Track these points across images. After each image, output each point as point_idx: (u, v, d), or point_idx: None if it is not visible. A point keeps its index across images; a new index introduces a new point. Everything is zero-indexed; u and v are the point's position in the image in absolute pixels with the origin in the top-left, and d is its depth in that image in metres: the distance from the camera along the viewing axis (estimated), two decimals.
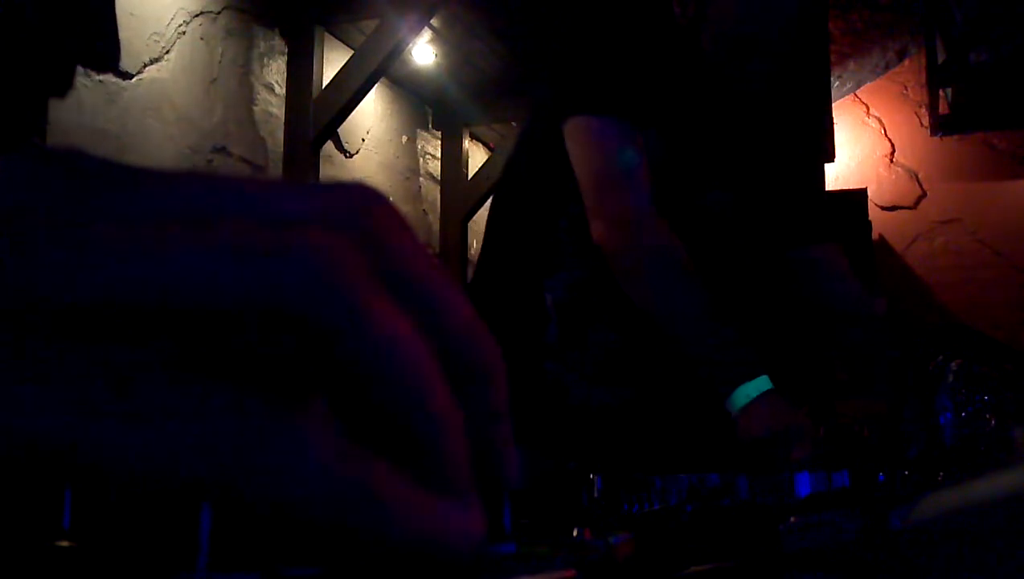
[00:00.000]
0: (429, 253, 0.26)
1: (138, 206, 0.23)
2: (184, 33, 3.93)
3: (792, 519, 0.90)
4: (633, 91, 1.48)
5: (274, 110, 4.45)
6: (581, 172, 1.49)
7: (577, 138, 1.50)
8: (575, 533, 0.91)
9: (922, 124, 5.22)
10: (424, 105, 5.55)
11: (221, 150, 4.10)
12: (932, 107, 5.00)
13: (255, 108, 4.33)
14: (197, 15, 4.01)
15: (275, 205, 0.24)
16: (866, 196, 4.89)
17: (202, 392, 0.22)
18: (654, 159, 1.49)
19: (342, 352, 0.23)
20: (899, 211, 5.45)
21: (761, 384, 1.37)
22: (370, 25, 4.53)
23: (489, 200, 5.83)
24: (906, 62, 5.15)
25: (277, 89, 4.47)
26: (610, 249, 1.47)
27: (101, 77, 3.53)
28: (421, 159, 5.56)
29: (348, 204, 0.25)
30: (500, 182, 1.64)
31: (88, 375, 0.21)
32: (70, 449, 0.21)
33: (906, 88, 5.26)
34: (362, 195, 0.25)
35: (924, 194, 5.27)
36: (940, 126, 5.02)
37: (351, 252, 0.23)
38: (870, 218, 4.86)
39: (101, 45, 3.41)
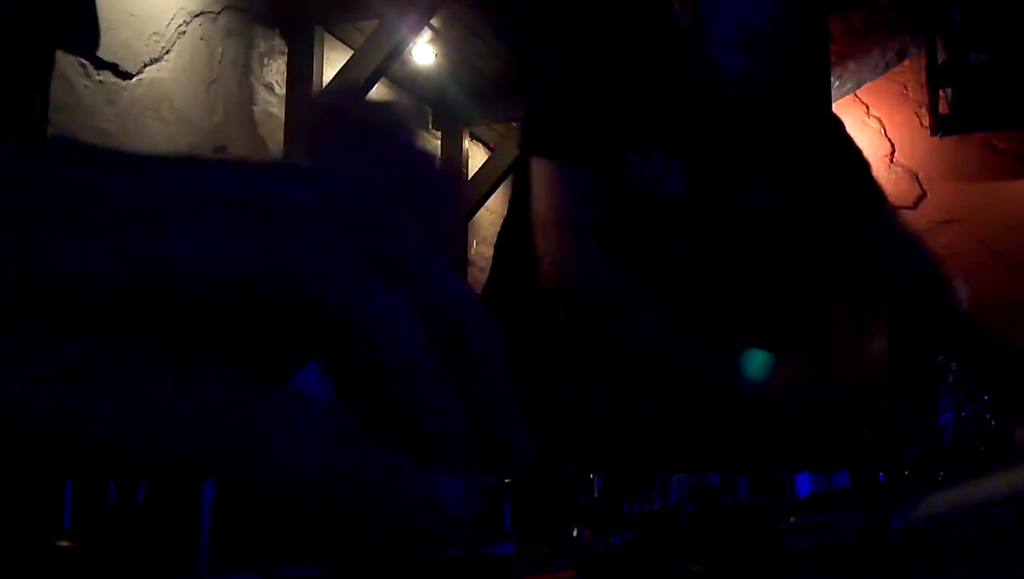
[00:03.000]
0: (425, 241, 0.26)
1: (141, 192, 0.23)
2: (184, 33, 3.93)
3: (792, 519, 0.89)
4: (598, 131, 1.48)
5: (274, 110, 4.44)
6: (533, 213, 1.53)
7: (533, 178, 1.52)
8: (575, 533, 0.91)
9: (922, 124, 5.21)
10: (424, 105, 5.54)
11: (221, 150, 4.09)
12: (932, 107, 5.00)
13: (255, 108, 4.33)
14: (197, 15, 4.01)
15: (277, 191, 0.24)
16: None
17: (203, 375, 0.22)
18: (672, 180, 1.50)
19: (338, 334, 0.23)
20: (899, 211, 5.44)
21: (761, 354, 1.39)
22: (370, 25, 4.53)
23: (488, 200, 5.83)
24: (906, 62, 5.14)
25: (277, 89, 4.47)
26: (557, 292, 1.51)
27: (101, 77, 3.53)
28: None
29: (347, 192, 0.25)
30: (511, 202, 1.66)
31: (91, 361, 0.22)
32: (73, 434, 0.21)
33: (906, 88, 5.26)
34: (360, 184, 0.26)
35: (924, 194, 5.26)
36: (940, 126, 5.02)
37: (349, 238, 0.23)
38: None
39: (80, 29, 3.39)
